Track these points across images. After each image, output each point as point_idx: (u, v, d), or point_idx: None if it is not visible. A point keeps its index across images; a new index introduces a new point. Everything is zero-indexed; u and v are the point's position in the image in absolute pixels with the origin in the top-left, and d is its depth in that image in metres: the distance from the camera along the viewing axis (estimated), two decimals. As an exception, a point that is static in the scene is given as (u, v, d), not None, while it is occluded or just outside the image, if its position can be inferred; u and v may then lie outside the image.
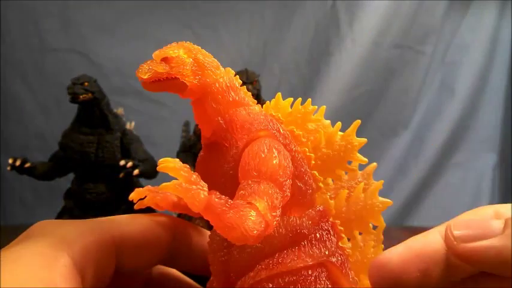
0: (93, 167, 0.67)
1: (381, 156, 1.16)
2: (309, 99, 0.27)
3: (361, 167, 0.28)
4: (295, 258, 0.22)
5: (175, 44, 0.24)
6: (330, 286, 0.22)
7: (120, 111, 0.72)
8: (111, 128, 0.68)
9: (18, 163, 0.65)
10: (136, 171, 0.64)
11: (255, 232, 0.19)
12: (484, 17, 1.17)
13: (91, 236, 0.21)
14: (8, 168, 0.65)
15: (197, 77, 0.24)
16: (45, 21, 1.01)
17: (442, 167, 1.22)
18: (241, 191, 0.21)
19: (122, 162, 0.64)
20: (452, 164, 1.23)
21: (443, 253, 0.20)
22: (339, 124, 0.26)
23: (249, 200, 0.20)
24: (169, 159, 0.20)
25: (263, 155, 0.22)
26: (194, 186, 0.19)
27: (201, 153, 0.26)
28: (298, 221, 0.23)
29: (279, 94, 0.27)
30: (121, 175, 0.64)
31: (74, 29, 1.02)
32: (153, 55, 0.24)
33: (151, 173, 0.68)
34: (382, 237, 0.26)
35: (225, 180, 0.23)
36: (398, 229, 1.01)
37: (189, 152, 0.67)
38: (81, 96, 0.64)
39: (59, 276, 0.18)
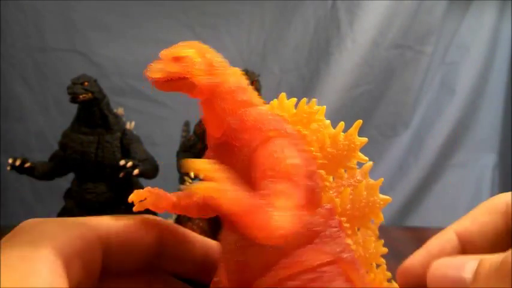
0: (93, 167, 0.67)
1: (381, 156, 1.16)
2: (314, 99, 0.27)
3: (359, 166, 0.28)
4: (311, 257, 0.22)
5: (184, 44, 0.24)
6: (344, 282, 0.22)
7: (120, 111, 0.72)
8: (111, 128, 0.68)
9: (18, 163, 0.65)
10: (136, 171, 0.64)
11: (280, 232, 0.20)
12: (484, 17, 1.17)
13: (76, 230, 0.21)
14: (8, 168, 0.65)
15: (207, 77, 0.24)
16: (45, 21, 1.01)
17: (442, 167, 1.22)
18: (260, 191, 0.21)
19: (122, 162, 0.63)
20: (452, 164, 1.23)
21: (460, 251, 0.21)
22: (342, 124, 0.26)
23: (269, 200, 0.20)
24: (197, 160, 0.20)
25: (278, 155, 0.22)
26: (229, 187, 0.19)
27: (209, 153, 0.26)
28: (310, 219, 0.23)
29: (283, 94, 0.27)
30: (121, 175, 0.64)
31: (74, 29, 1.02)
32: (161, 55, 0.24)
33: (151, 173, 0.68)
34: (377, 232, 0.26)
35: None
36: (398, 229, 1.01)
37: (189, 152, 0.67)
38: (81, 96, 0.64)
39: (40, 264, 0.18)
